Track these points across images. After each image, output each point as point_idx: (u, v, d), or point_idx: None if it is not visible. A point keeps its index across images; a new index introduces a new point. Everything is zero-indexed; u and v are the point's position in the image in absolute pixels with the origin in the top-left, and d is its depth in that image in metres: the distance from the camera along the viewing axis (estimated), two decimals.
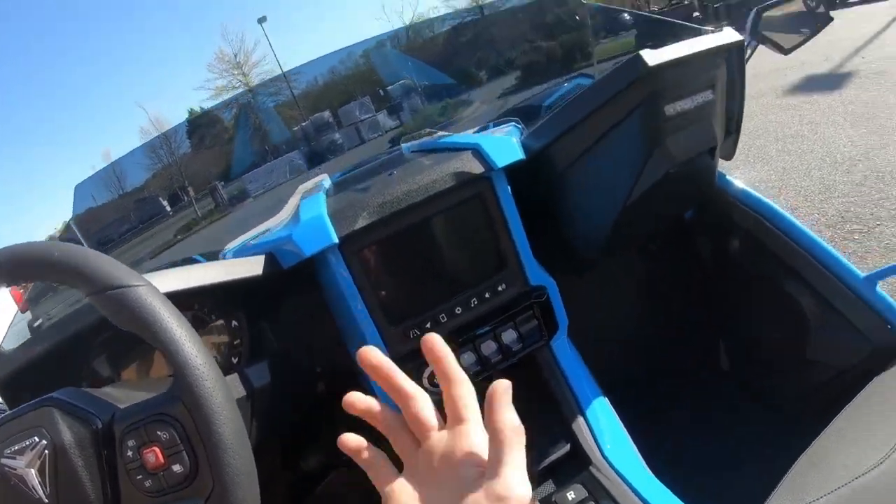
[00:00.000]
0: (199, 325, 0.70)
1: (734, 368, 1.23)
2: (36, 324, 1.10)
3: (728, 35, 0.89)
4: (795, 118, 4.42)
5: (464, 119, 1.50)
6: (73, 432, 0.42)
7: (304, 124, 1.63)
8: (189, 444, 0.41)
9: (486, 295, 0.76)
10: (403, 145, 1.03)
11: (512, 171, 0.78)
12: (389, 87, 1.68)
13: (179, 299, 0.47)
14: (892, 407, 0.67)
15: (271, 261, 0.70)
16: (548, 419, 0.75)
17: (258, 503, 0.41)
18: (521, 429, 0.34)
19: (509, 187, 0.77)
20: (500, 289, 0.76)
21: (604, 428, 0.73)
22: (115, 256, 0.46)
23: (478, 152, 0.76)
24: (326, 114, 1.62)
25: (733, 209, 1.05)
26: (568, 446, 0.71)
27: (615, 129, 0.79)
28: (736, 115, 1.03)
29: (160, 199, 1.73)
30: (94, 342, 0.64)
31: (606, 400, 0.79)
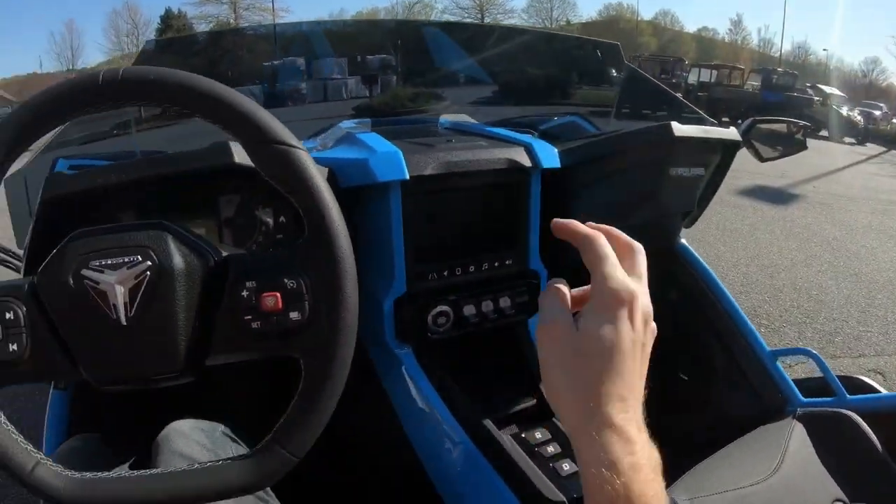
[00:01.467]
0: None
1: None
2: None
3: (732, 133, 1.08)
4: (739, 216, 4.86)
5: (431, 111, 1.47)
6: (186, 261, 0.42)
7: (275, 62, 1.52)
8: (312, 297, 0.42)
9: (496, 263, 0.88)
10: (441, 118, 1.14)
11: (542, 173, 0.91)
12: (369, 58, 1.62)
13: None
14: (772, 446, 0.82)
15: (331, 176, 0.76)
16: (519, 378, 0.89)
17: (347, 370, 0.44)
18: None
19: (539, 186, 0.91)
20: (507, 262, 0.89)
21: None
22: None
23: (530, 150, 0.88)
24: (300, 60, 1.54)
25: (679, 265, 1.24)
26: (534, 400, 0.84)
27: (628, 170, 0.96)
28: (709, 196, 1.23)
29: None
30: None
31: None
